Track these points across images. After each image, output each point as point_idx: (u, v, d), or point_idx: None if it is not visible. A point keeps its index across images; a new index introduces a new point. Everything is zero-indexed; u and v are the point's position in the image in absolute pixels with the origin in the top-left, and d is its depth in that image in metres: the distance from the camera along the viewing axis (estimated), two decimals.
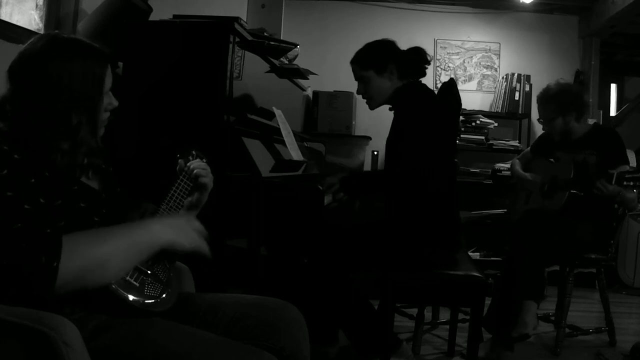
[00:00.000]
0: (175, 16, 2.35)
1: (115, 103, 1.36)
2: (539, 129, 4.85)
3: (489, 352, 2.70)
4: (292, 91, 3.34)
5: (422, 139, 2.19)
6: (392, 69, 2.35)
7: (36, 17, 2.37)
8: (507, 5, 4.94)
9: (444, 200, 2.28)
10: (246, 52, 2.41)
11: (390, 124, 2.35)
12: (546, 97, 3.06)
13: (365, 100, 2.45)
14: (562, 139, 3.09)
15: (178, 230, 1.29)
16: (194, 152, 1.51)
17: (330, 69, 4.85)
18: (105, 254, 1.18)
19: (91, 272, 1.16)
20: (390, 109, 2.41)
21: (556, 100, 3.02)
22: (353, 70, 2.43)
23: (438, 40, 5.08)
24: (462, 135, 4.67)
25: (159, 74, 2.27)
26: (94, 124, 1.30)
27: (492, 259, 4.38)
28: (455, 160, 2.51)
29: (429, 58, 2.41)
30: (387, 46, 2.40)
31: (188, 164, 1.48)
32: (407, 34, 4.51)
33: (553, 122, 3.05)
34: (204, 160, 1.52)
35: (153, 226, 1.27)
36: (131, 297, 1.25)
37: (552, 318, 3.27)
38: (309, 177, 2.74)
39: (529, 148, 3.50)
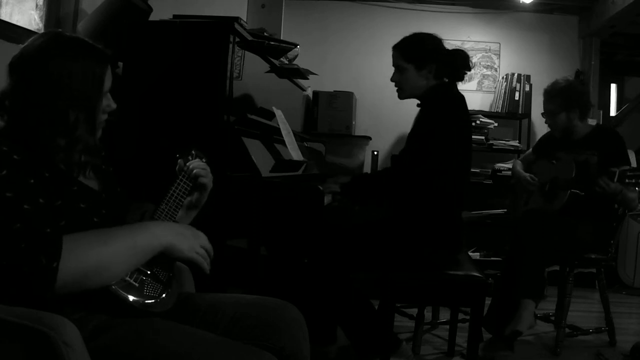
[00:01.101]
0: (175, 16, 2.35)
1: (114, 106, 1.36)
2: (539, 129, 4.88)
3: (485, 351, 2.70)
4: (292, 91, 3.34)
5: (450, 142, 2.20)
6: (431, 68, 2.34)
7: (36, 17, 2.37)
8: (507, 5, 4.94)
9: (449, 201, 2.27)
10: (246, 52, 2.41)
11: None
12: (553, 91, 3.08)
13: (395, 88, 2.44)
14: (563, 136, 3.09)
15: (179, 235, 1.30)
16: (193, 152, 1.51)
17: (330, 69, 4.85)
18: (105, 256, 1.18)
19: (91, 274, 1.16)
20: (417, 105, 2.40)
21: (563, 95, 3.03)
22: (393, 56, 2.41)
23: None
24: None
25: (159, 74, 2.27)
26: (92, 123, 1.30)
27: (492, 259, 4.38)
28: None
29: (471, 64, 2.41)
30: (433, 44, 2.39)
31: (187, 164, 1.48)
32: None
33: (556, 116, 3.05)
34: (204, 160, 1.52)
35: (154, 229, 1.28)
36: (131, 298, 1.25)
37: (552, 318, 3.27)
38: (309, 177, 2.74)
39: (530, 150, 3.51)
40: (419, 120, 2.34)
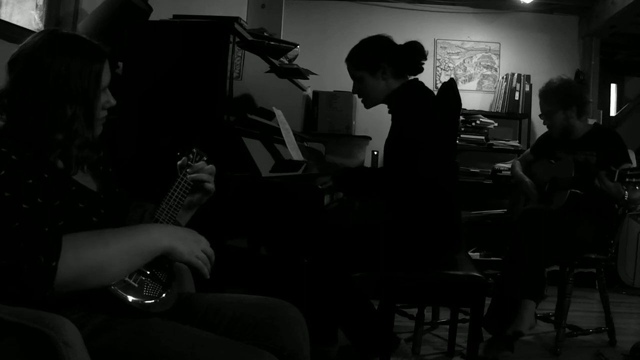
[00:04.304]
0: (175, 16, 2.35)
1: (113, 102, 1.36)
2: (539, 129, 4.88)
3: (485, 351, 2.69)
4: (292, 91, 3.34)
5: (422, 141, 2.18)
6: (385, 68, 2.31)
7: (36, 17, 2.37)
8: (507, 5, 4.94)
9: (446, 201, 2.27)
10: (246, 52, 2.41)
11: (390, 123, 2.34)
12: (549, 91, 3.07)
13: (360, 100, 2.44)
14: (562, 135, 3.09)
15: (180, 239, 1.30)
16: (194, 150, 1.50)
17: (330, 69, 4.84)
18: (105, 257, 1.18)
19: (90, 275, 1.16)
20: (389, 112, 2.40)
21: (558, 93, 3.02)
22: (348, 69, 2.40)
23: (438, 40, 5.08)
24: (462, 135, 4.67)
25: (159, 74, 2.27)
26: (90, 118, 1.30)
27: (492, 259, 4.38)
28: (456, 160, 2.49)
29: (425, 52, 2.35)
30: (380, 44, 2.35)
31: (193, 167, 1.47)
32: (407, 34, 4.48)
33: (554, 116, 3.04)
34: (205, 159, 1.51)
35: (155, 232, 1.29)
36: (130, 298, 1.24)
37: (552, 318, 3.27)
38: (309, 177, 2.74)
39: (529, 149, 3.50)
40: (392, 127, 2.31)
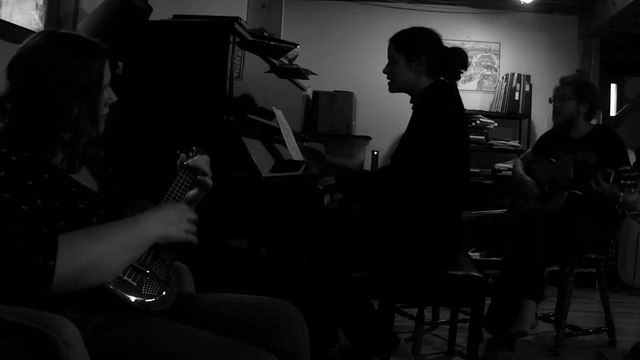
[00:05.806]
0: (175, 16, 2.36)
1: (115, 98, 1.37)
2: (539, 129, 4.88)
3: (486, 352, 2.69)
4: (292, 91, 3.34)
5: (443, 146, 2.19)
6: (421, 62, 2.31)
7: (36, 17, 2.37)
8: (507, 5, 4.94)
9: (446, 201, 2.27)
10: (246, 52, 2.41)
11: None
12: (569, 78, 3.13)
13: (388, 81, 2.43)
14: (563, 130, 3.09)
15: (170, 223, 1.34)
16: (194, 148, 1.50)
17: (330, 69, 4.85)
18: (101, 252, 1.20)
19: (87, 270, 1.17)
20: (412, 107, 2.39)
21: (579, 85, 3.07)
22: (388, 48, 2.39)
23: None
24: None
25: (159, 74, 2.27)
26: (95, 116, 1.31)
27: (492, 259, 4.38)
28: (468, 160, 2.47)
29: (467, 63, 2.38)
30: (427, 38, 2.36)
31: (189, 160, 1.48)
32: None
33: (567, 102, 3.05)
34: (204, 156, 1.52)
35: (147, 221, 1.31)
36: (129, 297, 1.25)
37: (552, 318, 3.27)
38: (309, 177, 2.74)
39: (530, 149, 3.50)
40: (412, 122, 2.32)
